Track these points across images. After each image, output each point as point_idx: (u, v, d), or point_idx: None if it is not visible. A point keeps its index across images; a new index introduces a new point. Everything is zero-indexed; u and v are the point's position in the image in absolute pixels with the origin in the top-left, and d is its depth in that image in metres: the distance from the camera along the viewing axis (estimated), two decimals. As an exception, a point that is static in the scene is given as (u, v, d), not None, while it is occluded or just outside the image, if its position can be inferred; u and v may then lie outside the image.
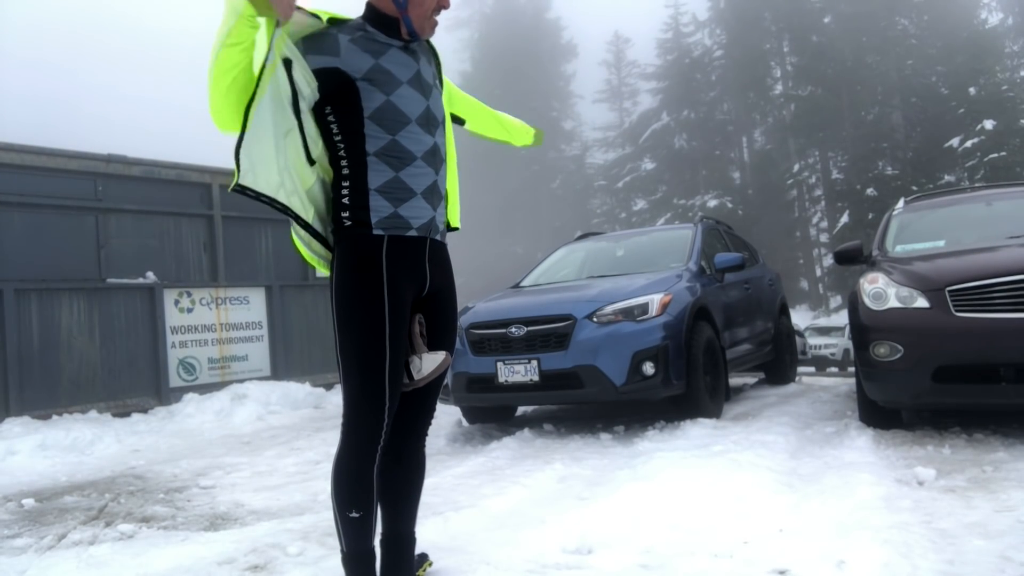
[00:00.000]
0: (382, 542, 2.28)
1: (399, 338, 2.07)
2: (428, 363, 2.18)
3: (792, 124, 27.80)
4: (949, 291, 4.12)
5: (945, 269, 4.34)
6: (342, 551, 2.10)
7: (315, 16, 2.02)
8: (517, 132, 2.88)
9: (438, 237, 2.21)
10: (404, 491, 2.27)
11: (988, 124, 21.35)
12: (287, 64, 1.95)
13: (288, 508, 3.75)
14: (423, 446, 2.32)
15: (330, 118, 2.06)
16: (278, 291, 9.02)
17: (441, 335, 2.27)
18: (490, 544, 2.80)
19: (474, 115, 2.66)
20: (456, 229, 2.40)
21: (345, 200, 2.07)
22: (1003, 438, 4.10)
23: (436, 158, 2.14)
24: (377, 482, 2.24)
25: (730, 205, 27.68)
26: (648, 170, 33.78)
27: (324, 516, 3.40)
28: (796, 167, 28.03)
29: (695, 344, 5.26)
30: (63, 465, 5.43)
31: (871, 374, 4.38)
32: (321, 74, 2.00)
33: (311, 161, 2.08)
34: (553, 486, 3.78)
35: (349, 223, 2.07)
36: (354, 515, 2.04)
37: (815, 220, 29.18)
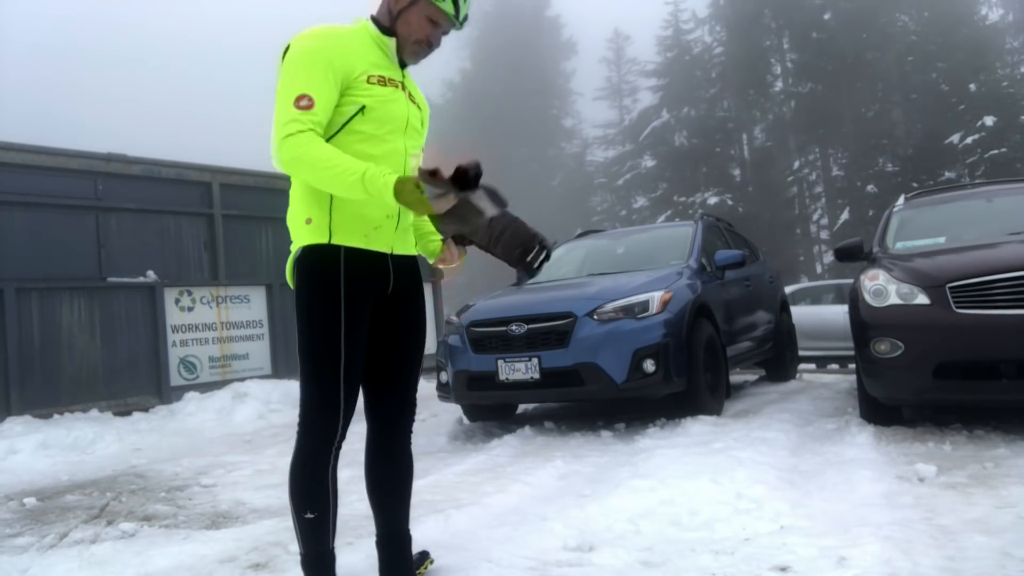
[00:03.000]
0: (378, 542, 2.28)
1: (356, 341, 2.06)
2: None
3: (792, 121, 27.77)
4: (950, 287, 4.12)
5: (946, 265, 4.34)
6: (300, 552, 2.10)
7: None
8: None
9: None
10: (393, 490, 2.27)
11: (988, 120, 21.30)
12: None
13: (289, 506, 3.75)
14: (408, 443, 2.31)
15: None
16: (278, 289, 9.01)
17: (410, 335, 2.25)
18: (491, 542, 2.80)
19: None
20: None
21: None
22: (1004, 434, 4.11)
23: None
24: (366, 481, 2.26)
25: (730, 202, 27.60)
26: (648, 167, 33.71)
27: (325, 514, 3.40)
28: (796, 164, 28.01)
29: (696, 341, 5.26)
30: (64, 464, 5.44)
31: (872, 371, 4.38)
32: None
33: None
34: (554, 484, 3.78)
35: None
36: (309, 516, 2.05)
37: (815, 217, 29.15)
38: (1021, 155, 21.10)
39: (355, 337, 2.06)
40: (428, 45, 2.19)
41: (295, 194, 2.13)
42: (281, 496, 4.00)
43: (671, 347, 5.02)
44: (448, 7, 2.12)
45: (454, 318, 5.71)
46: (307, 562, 2.09)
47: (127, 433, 6.46)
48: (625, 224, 31.94)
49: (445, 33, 2.21)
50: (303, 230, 2.09)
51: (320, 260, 2.05)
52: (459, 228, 2.03)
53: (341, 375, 2.03)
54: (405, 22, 2.13)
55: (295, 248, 2.12)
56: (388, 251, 2.14)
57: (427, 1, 2.10)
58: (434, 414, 6.76)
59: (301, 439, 2.08)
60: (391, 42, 2.16)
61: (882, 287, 4.40)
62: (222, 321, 8.49)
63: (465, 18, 2.20)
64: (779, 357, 7.69)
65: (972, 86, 22.81)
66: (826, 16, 27.90)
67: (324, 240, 2.04)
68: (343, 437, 2.09)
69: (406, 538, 2.30)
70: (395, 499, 2.27)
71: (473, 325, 5.41)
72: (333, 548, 2.12)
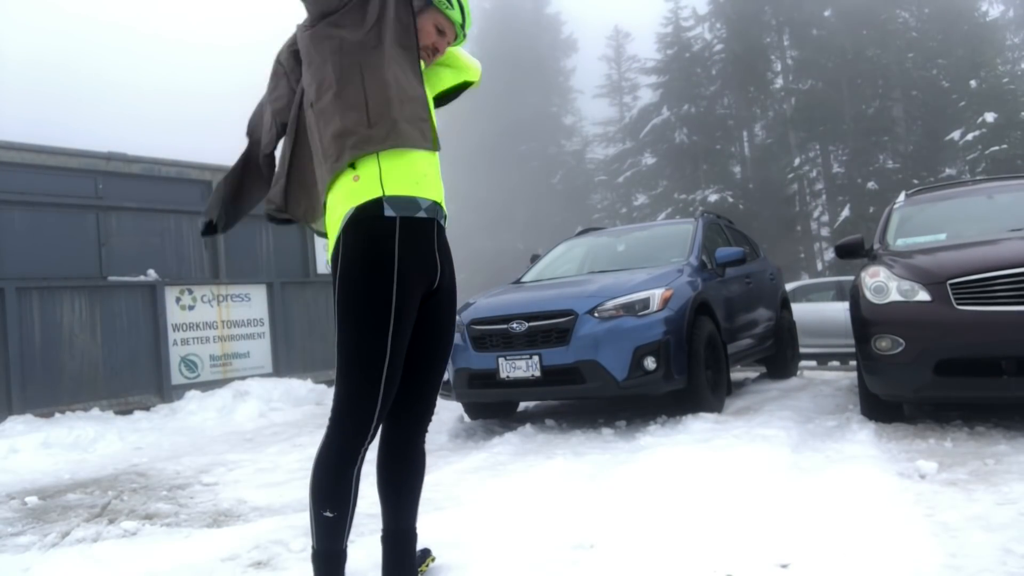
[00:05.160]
0: (384, 538, 2.27)
1: (403, 338, 2.00)
2: None
3: (792, 118, 27.69)
4: (950, 284, 4.12)
5: (946, 262, 4.33)
6: (312, 547, 2.05)
7: None
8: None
9: (442, 221, 2.14)
10: (405, 487, 2.26)
11: (989, 117, 21.24)
12: None
13: (291, 504, 3.76)
14: (423, 442, 2.30)
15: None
16: (279, 288, 9.02)
17: (443, 336, 2.22)
18: (492, 539, 2.80)
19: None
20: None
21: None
22: (1005, 431, 4.11)
23: None
24: (378, 477, 2.24)
25: (731, 199, 27.51)
26: (649, 165, 33.64)
27: (327, 512, 3.40)
28: (797, 161, 27.93)
29: (696, 338, 5.26)
30: (66, 463, 5.45)
31: (873, 367, 4.38)
32: None
33: None
34: (555, 481, 3.78)
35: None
36: (329, 514, 1.99)
37: (816, 214, 29.11)
38: (1022, 152, 21.05)
39: (403, 331, 1.99)
40: (434, 53, 2.22)
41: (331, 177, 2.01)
42: (283, 494, 4.02)
43: (672, 344, 5.02)
44: (456, 15, 2.18)
45: (455, 316, 5.71)
46: (319, 559, 2.04)
47: (128, 432, 6.46)
48: (625, 222, 31.89)
49: (449, 44, 2.26)
50: (349, 189, 1.96)
51: (373, 236, 1.95)
52: None
53: (384, 371, 1.96)
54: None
55: (342, 214, 1.97)
56: (438, 200, 2.08)
57: (435, 9, 2.16)
58: (435, 412, 6.76)
59: (332, 434, 2.00)
60: None
61: (883, 284, 4.40)
62: (223, 320, 8.49)
63: (468, 27, 2.26)
64: (780, 354, 7.70)
65: (973, 83, 22.74)
66: (826, 13, 27.85)
67: (376, 194, 1.95)
68: (375, 435, 2.05)
69: (412, 536, 2.29)
70: (406, 496, 2.26)
71: (474, 323, 5.41)
72: (346, 547, 2.09)
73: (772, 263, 8.65)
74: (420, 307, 2.10)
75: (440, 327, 2.20)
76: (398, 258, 1.96)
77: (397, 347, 1.99)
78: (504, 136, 39.93)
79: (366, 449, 2.03)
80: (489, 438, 5.25)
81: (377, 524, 2.29)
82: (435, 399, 2.30)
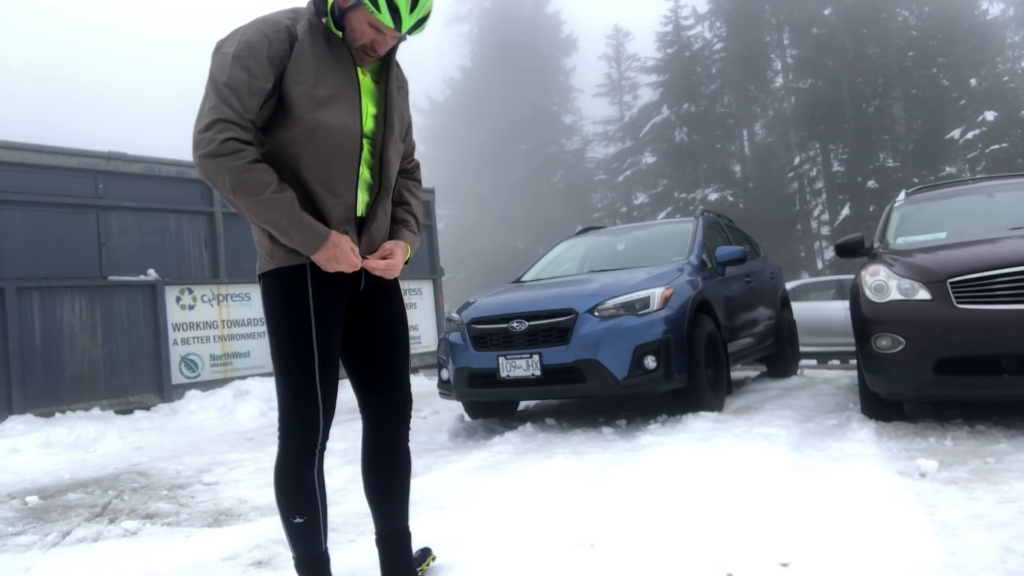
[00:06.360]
0: (378, 541, 2.27)
1: (328, 340, 2.03)
2: None
3: (793, 117, 27.68)
4: (951, 283, 4.12)
5: (947, 261, 4.33)
6: (292, 557, 2.09)
7: None
8: None
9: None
10: (391, 488, 2.25)
11: (989, 115, 21.22)
12: None
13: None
14: (405, 440, 2.28)
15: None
16: (279, 287, 9.02)
17: (391, 329, 2.21)
18: (493, 538, 2.80)
19: None
20: None
21: None
22: (1005, 429, 4.11)
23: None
24: (363, 480, 2.25)
25: (731, 198, 27.50)
26: (649, 164, 33.66)
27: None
28: (797, 160, 27.90)
29: (697, 337, 5.26)
30: (67, 462, 5.45)
31: (873, 366, 4.38)
32: None
33: None
34: (555, 480, 3.78)
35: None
36: (298, 520, 2.03)
37: (816, 213, 29.10)
38: (1022, 150, 21.04)
39: (327, 335, 2.02)
40: (372, 52, 2.06)
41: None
42: (283, 494, 4.02)
43: (672, 343, 5.02)
44: (385, 19, 1.96)
45: (455, 315, 5.71)
46: (301, 565, 2.08)
47: (129, 431, 6.47)
48: (626, 220, 31.89)
49: (395, 40, 2.07)
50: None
51: (283, 272, 2.03)
52: None
53: (316, 376, 2.00)
54: (349, 28, 2.04)
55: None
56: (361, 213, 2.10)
57: (367, 10, 1.97)
58: (435, 411, 6.77)
59: (283, 444, 2.06)
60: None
61: (883, 282, 4.40)
62: (223, 319, 8.49)
63: (418, 25, 2.03)
64: (780, 353, 7.69)
65: (973, 81, 22.74)
66: (826, 11, 27.82)
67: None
68: (326, 438, 2.08)
69: (405, 535, 2.29)
70: (392, 497, 2.25)
71: (474, 322, 5.41)
72: (326, 549, 2.11)
73: (772, 262, 8.65)
74: (357, 306, 2.14)
75: (382, 321, 2.20)
76: (311, 267, 2.00)
77: (324, 349, 2.01)
78: (504, 135, 39.93)
79: (322, 450, 2.07)
80: (489, 437, 5.25)
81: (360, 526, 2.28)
82: (407, 391, 2.27)
